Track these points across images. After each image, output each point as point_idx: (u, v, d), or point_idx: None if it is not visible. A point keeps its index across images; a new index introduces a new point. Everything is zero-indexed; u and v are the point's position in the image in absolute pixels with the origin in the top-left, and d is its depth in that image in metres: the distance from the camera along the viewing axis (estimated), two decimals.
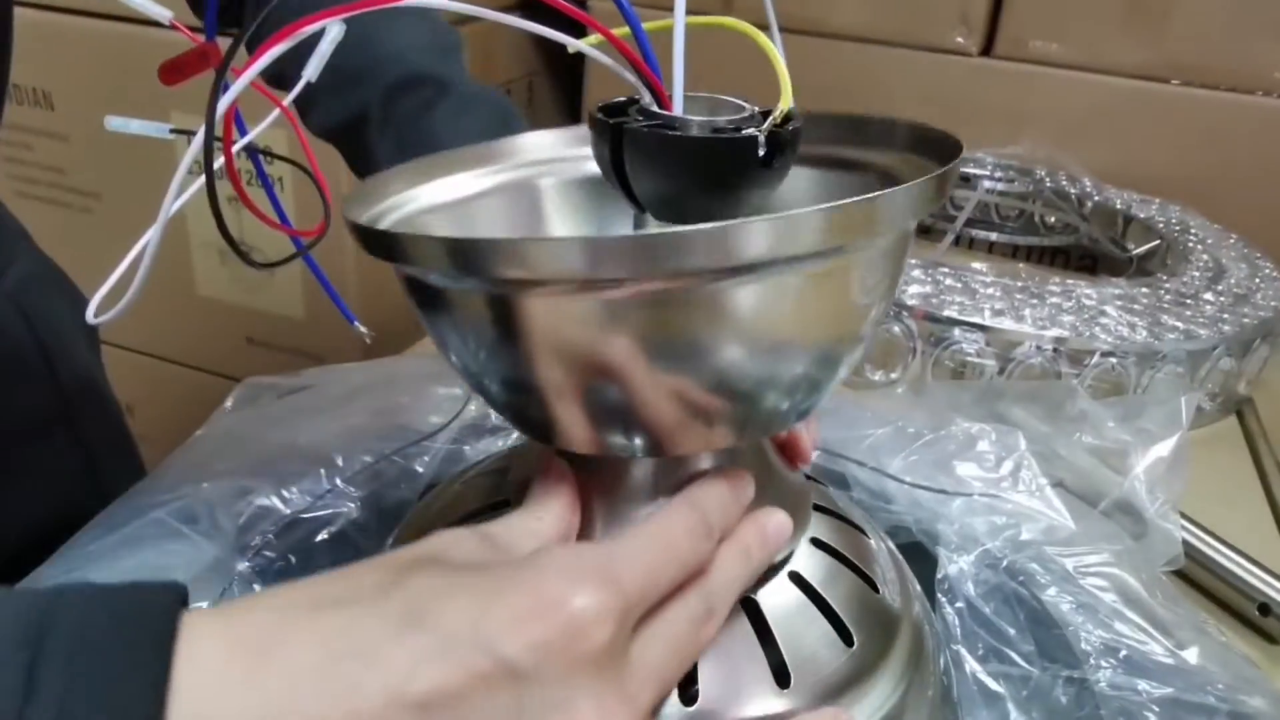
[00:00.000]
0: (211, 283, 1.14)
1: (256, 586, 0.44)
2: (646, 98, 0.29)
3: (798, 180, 0.36)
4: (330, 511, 0.48)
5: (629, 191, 0.29)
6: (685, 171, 0.27)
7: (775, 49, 0.29)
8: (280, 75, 0.35)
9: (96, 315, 0.29)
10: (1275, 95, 0.96)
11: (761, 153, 0.27)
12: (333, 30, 0.30)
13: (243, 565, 0.43)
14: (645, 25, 0.29)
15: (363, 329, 0.42)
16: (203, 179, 0.31)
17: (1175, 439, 0.48)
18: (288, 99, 0.35)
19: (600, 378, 0.27)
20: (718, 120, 0.28)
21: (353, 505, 0.48)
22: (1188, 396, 0.50)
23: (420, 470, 0.51)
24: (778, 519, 0.31)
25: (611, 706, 0.23)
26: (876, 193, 0.25)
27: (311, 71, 0.33)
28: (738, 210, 0.29)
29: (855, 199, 0.24)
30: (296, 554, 0.45)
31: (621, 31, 0.29)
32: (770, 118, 0.28)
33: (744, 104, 0.30)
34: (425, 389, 0.55)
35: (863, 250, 0.27)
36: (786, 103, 0.29)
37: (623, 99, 0.30)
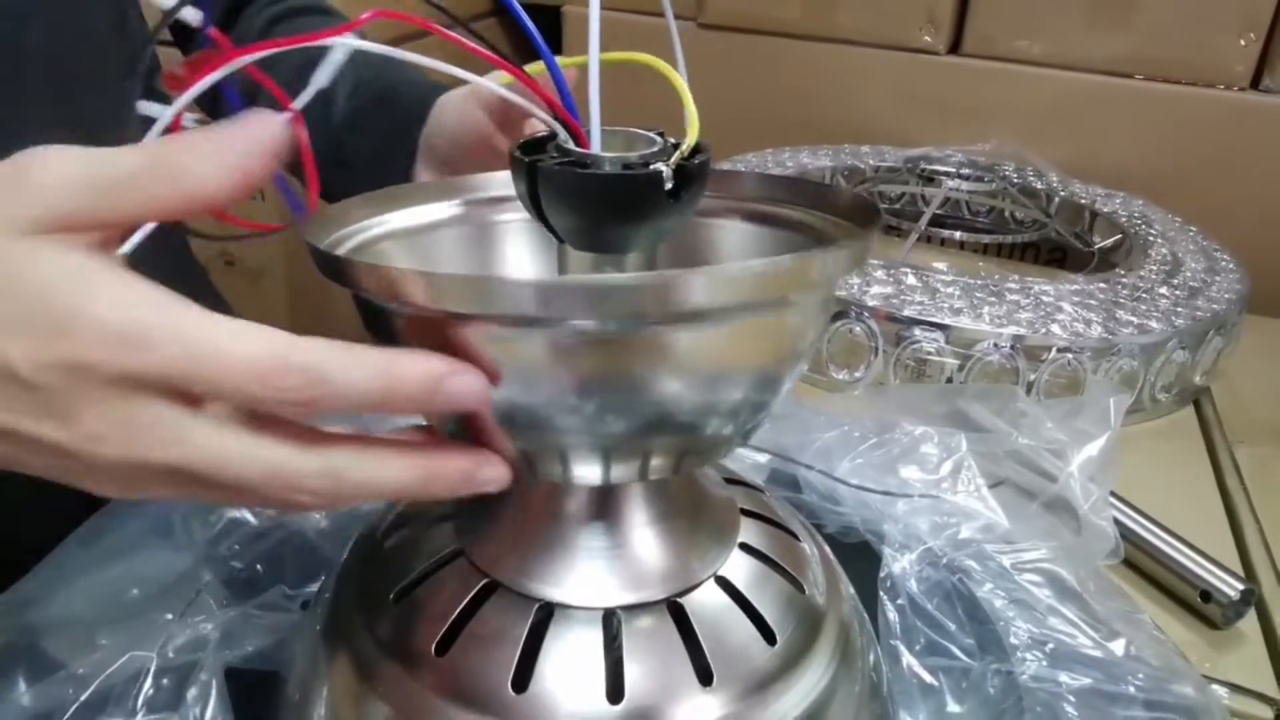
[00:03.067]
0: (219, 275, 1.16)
1: (226, 594, 0.46)
2: (563, 134, 0.30)
3: (731, 234, 0.38)
4: (298, 521, 0.49)
5: (547, 224, 0.30)
6: (596, 206, 0.29)
7: (684, 85, 0.31)
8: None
9: None
10: (1235, 88, 0.98)
11: (669, 186, 0.29)
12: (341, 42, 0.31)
13: (208, 576, 0.44)
14: (561, 61, 0.31)
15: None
16: None
17: (1104, 439, 0.50)
18: (298, 102, 0.36)
19: (536, 410, 0.28)
20: (629, 156, 0.29)
21: (319, 516, 0.50)
22: (1117, 398, 0.51)
23: None
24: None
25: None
26: (810, 251, 0.26)
27: (324, 78, 0.34)
28: (649, 239, 0.31)
29: (791, 256, 0.26)
30: (264, 563, 0.47)
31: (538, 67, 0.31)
32: (678, 151, 0.30)
33: (656, 137, 0.31)
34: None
35: (792, 305, 0.29)
36: (694, 136, 0.30)
37: (543, 134, 0.32)
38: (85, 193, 0.25)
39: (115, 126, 0.46)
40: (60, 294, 0.25)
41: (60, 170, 0.25)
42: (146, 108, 0.32)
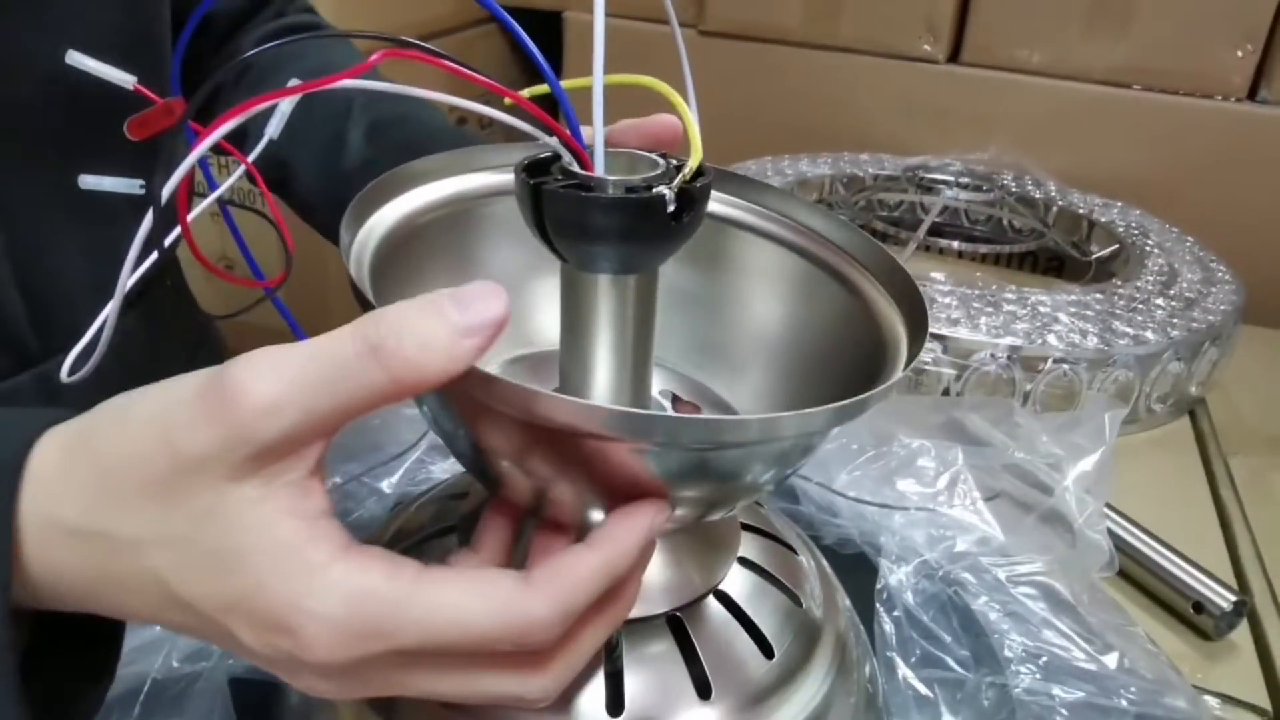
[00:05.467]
0: (201, 298, 1.16)
1: None
2: (567, 157, 0.31)
3: (768, 253, 0.39)
4: None
5: (550, 245, 0.31)
6: (599, 228, 0.29)
7: (687, 107, 0.31)
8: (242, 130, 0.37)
9: (70, 375, 0.31)
10: (1233, 99, 0.98)
11: (671, 209, 0.29)
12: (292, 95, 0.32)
13: None
14: (565, 84, 0.32)
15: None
16: (175, 233, 0.33)
17: (1099, 453, 0.51)
18: (252, 155, 0.37)
19: (563, 479, 0.29)
20: (632, 179, 0.30)
21: None
22: (1112, 413, 0.52)
23: (388, 490, 0.53)
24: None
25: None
26: (847, 400, 0.27)
27: (274, 129, 0.35)
28: (651, 260, 0.31)
29: (830, 407, 0.26)
30: None
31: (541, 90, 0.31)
32: (680, 174, 0.30)
33: (659, 160, 0.32)
34: (394, 410, 0.57)
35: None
36: (696, 159, 0.31)
37: (548, 154, 0.32)
38: (294, 413, 0.23)
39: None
40: (278, 581, 0.24)
41: (263, 394, 0.23)
42: (88, 181, 0.33)
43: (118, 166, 0.35)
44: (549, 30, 1.23)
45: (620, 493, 0.29)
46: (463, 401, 0.29)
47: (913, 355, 0.31)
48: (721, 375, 0.40)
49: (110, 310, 0.28)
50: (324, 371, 0.23)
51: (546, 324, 0.40)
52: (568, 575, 0.26)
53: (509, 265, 0.39)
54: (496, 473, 0.31)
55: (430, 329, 0.24)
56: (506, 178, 0.38)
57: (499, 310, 0.24)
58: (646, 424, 0.26)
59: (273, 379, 0.23)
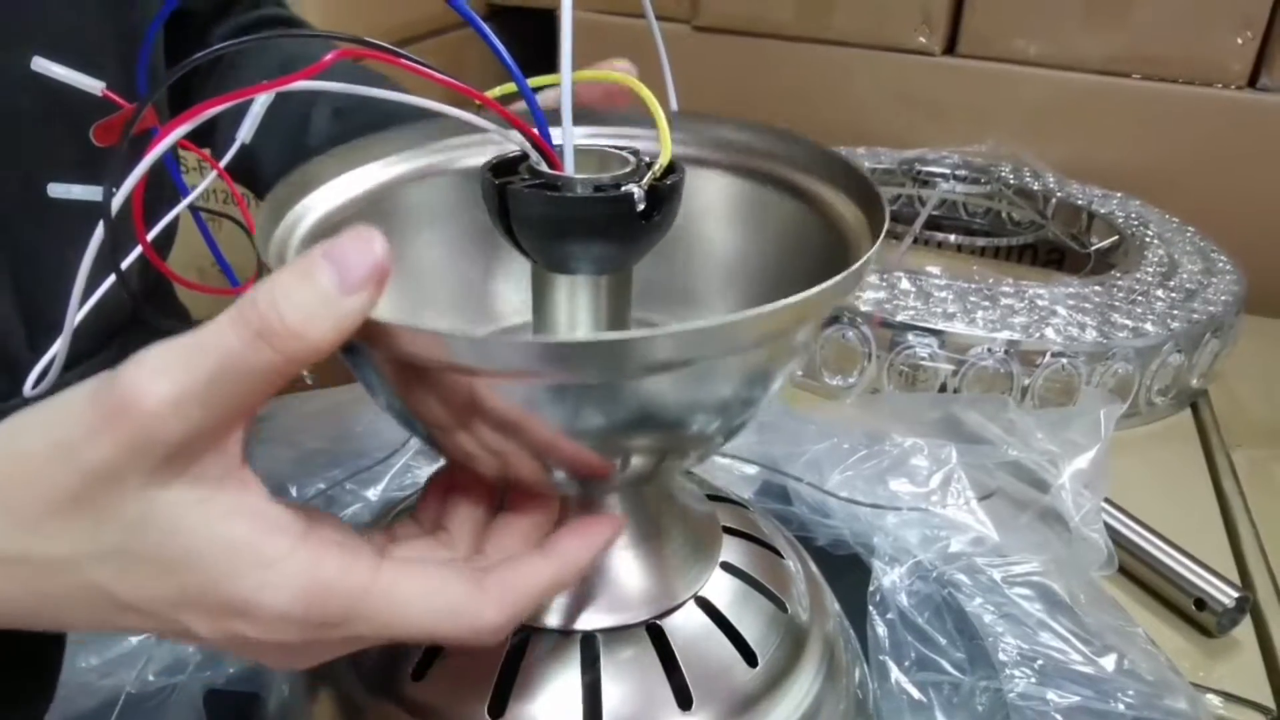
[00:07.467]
0: (188, 301, 1.16)
1: None
2: (535, 156, 0.30)
3: (712, 182, 0.37)
4: None
5: (519, 245, 0.30)
6: (566, 228, 0.29)
7: (657, 104, 0.31)
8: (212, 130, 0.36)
9: (34, 387, 0.31)
10: (1233, 87, 0.97)
11: (640, 208, 0.28)
12: (261, 95, 0.31)
13: None
14: (531, 81, 0.31)
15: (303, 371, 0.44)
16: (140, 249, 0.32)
17: (1095, 450, 0.50)
18: (223, 161, 0.36)
19: (508, 440, 0.28)
20: (601, 178, 0.29)
21: None
22: (1107, 409, 0.51)
23: (373, 498, 0.52)
24: None
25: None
26: (801, 296, 0.25)
27: (245, 133, 0.35)
28: (622, 260, 0.30)
29: (745, 315, 0.24)
30: None
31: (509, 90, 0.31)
32: (650, 172, 0.29)
33: (630, 157, 0.31)
34: (377, 415, 0.56)
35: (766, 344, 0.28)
36: (667, 156, 0.30)
37: (516, 154, 0.31)
38: (194, 409, 0.22)
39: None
40: (232, 577, 0.24)
41: (158, 395, 0.22)
42: (57, 190, 0.32)
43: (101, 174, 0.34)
44: (543, 30, 1.22)
45: (562, 444, 0.27)
46: (378, 364, 0.28)
47: (874, 237, 0.30)
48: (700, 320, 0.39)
49: (61, 347, 0.28)
50: (215, 363, 0.22)
51: (504, 297, 0.39)
52: (521, 587, 0.26)
53: (445, 250, 0.38)
54: (436, 437, 0.30)
55: (309, 296, 0.22)
56: (421, 162, 0.37)
57: (377, 255, 0.23)
58: (564, 352, 0.24)
59: (165, 378, 0.22)
